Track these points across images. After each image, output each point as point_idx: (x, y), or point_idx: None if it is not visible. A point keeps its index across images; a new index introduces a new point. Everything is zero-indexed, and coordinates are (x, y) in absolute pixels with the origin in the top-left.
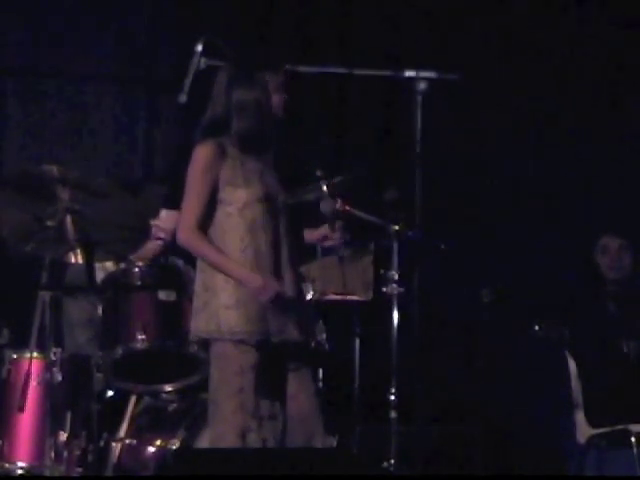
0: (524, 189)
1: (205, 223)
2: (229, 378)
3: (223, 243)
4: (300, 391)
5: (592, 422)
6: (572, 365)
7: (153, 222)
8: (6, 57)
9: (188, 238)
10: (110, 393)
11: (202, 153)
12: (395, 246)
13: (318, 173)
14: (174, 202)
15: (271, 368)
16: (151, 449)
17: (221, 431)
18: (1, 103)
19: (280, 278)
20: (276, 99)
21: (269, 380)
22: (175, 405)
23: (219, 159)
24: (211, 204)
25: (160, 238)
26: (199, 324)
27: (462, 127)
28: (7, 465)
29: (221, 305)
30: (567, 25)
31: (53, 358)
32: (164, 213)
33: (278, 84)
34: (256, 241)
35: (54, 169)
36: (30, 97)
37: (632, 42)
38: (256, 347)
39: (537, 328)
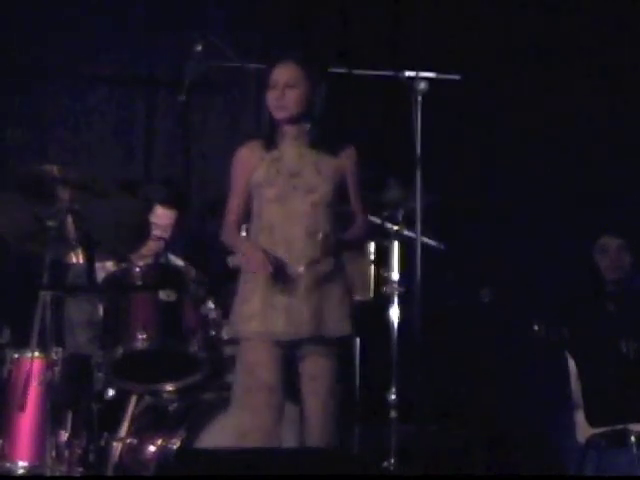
0: (524, 188)
1: (244, 220)
2: (240, 377)
3: (248, 238)
4: (310, 394)
5: (592, 422)
6: (572, 365)
7: (151, 219)
8: (7, 56)
9: (222, 235)
10: (111, 393)
11: (236, 155)
12: (395, 246)
13: None
14: (170, 200)
15: (291, 368)
16: (152, 449)
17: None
18: (3, 102)
19: (290, 276)
20: (268, 97)
21: (291, 381)
22: (176, 405)
23: (250, 160)
24: (248, 202)
25: (161, 238)
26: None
27: (462, 127)
28: (8, 465)
29: (237, 306)
30: (568, 24)
31: (54, 358)
32: (160, 210)
33: (269, 81)
34: (270, 238)
35: (54, 169)
36: (31, 96)
37: (634, 41)
38: (270, 345)
39: (537, 328)
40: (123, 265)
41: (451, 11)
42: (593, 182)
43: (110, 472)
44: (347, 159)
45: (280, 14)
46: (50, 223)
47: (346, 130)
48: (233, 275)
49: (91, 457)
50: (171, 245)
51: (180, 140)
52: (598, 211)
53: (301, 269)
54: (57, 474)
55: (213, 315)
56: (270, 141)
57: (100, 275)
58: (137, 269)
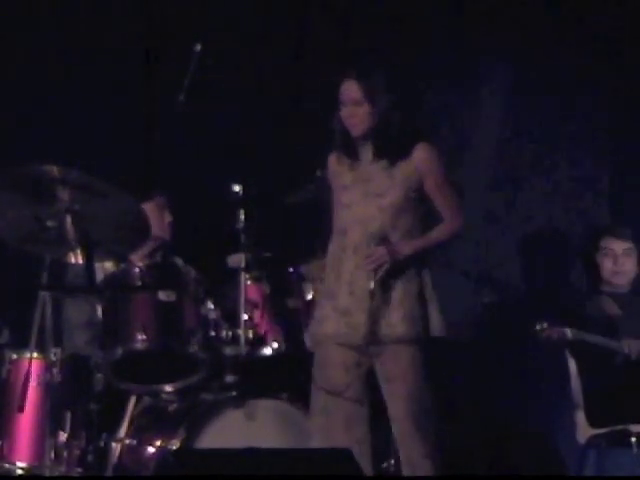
0: (523, 188)
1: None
2: (314, 378)
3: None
4: (388, 397)
5: (592, 422)
6: (572, 365)
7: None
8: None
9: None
10: (110, 393)
11: (328, 161)
12: None
13: (318, 173)
14: (144, 194)
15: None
16: (151, 449)
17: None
18: None
19: (352, 283)
20: (340, 112)
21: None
22: (175, 405)
23: (333, 166)
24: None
25: (158, 236)
26: None
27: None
28: (7, 465)
29: (315, 310)
30: (569, 24)
31: (53, 358)
32: (149, 203)
33: (339, 97)
34: (341, 243)
35: (54, 169)
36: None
37: (634, 40)
38: (338, 347)
39: (537, 328)
40: (123, 265)
41: (452, 11)
42: (594, 181)
43: (109, 472)
44: (420, 160)
45: (279, 13)
46: (50, 223)
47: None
48: (233, 275)
49: (90, 457)
50: (170, 243)
51: (179, 139)
52: (599, 210)
53: (371, 285)
54: (56, 474)
55: (213, 315)
56: (349, 149)
57: (100, 275)
58: (137, 269)
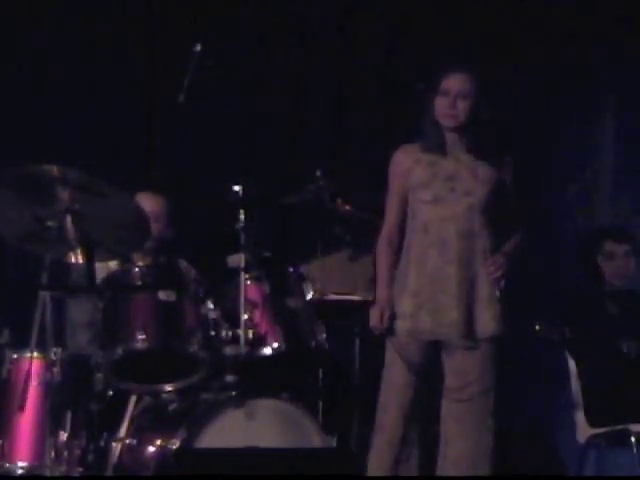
0: (524, 187)
1: (403, 224)
2: (385, 373)
3: (407, 241)
4: (453, 391)
5: (592, 422)
6: (572, 365)
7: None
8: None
9: (377, 247)
10: (110, 393)
11: (394, 158)
12: None
13: (318, 173)
14: (144, 183)
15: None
16: (151, 449)
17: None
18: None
19: (439, 280)
20: (437, 104)
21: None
22: (175, 405)
23: (405, 162)
24: (406, 204)
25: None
26: None
27: None
28: (7, 465)
29: None
30: (571, 27)
31: (53, 358)
32: (144, 197)
33: (439, 89)
34: (424, 239)
35: (54, 169)
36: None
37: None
38: (417, 344)
39: (538, 328)
40: (127, 265)
41: (451, 11)
42: (595, 181)
43: (110, 472)
44: (504, 168)
45: (279, 12)
46: (50, 223)
47: (347, 130)
48: (233, 275)
49: (90, 457)
50: (170, 240)
51: (179, 138)
52: (600, 211)
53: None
54: (56, 474)
55: (213, 315)
56: (429, 144)
57: (102, 275)
58: (137, 269)
